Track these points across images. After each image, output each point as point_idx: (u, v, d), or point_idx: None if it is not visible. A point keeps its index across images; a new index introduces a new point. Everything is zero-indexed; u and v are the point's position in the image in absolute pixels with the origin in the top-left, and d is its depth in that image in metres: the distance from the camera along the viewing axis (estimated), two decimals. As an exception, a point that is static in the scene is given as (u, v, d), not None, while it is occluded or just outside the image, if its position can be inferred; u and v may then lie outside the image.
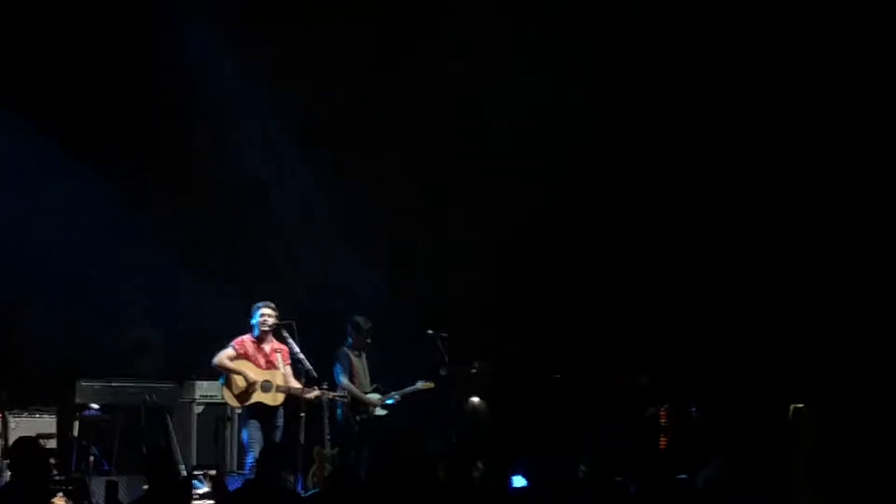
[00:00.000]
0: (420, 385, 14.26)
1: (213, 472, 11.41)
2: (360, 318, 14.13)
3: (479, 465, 13.53)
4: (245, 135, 15.63)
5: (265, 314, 13.14)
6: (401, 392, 14.24)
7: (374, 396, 14.12)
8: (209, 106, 15.31)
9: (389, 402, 14.18)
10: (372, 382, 14.20)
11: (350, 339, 14.14)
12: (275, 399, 13.08)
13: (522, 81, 15.30)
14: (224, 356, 13.12)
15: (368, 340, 14.16)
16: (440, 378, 14.22)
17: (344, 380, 13.95)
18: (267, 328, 13.13)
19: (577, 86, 14.95)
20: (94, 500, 12.08)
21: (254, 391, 13.04)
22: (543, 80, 15.18)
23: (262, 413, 13.03)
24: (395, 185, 15.61)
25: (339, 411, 13.91)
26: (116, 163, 14.98)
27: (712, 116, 15.17)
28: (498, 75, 15.37)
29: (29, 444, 8.94)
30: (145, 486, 9.66)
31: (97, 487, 12.59)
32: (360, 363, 14.17)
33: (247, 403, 13.06)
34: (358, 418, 13.98)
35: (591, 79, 14.95)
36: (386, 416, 14.15)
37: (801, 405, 9.38)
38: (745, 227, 15.17)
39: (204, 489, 9.96)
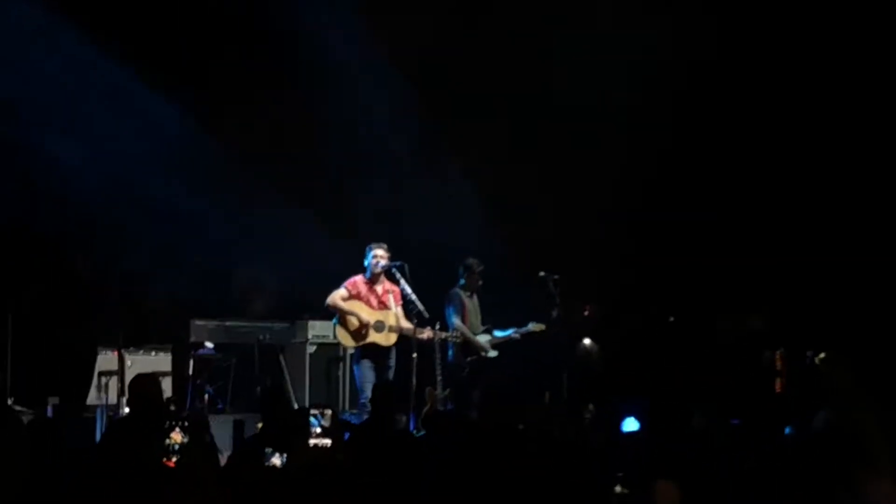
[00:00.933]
0: (531, 326, 14.20)
1: (329, 411, 11.41)
2: (472, 260, 14.09)
3: (591, 406, 13.56)
4: (355, 75, 15.57)
5: (378, 255, 13.15)
6: (512, 331, 14.19)
7: (485, 338, 14.09)
8: (315, 47, 15.32)
9: (501, 334, 14.13)
10: (484, 324, 14.17)
11: (462, 281, 14.12)
12: (387, 339, 13.12)
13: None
14: (337, 296, 13.17)
15: (480, 282, 14.12)
16: (552, 320, 14.15)
17: (456, 320, 13.93)
18: (379, 269, 13.14)
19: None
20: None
21: (367, 331, 13.08)
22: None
23: (374, 353, 13.08)
24: (500, 131, 15.56)
25: (450, 352, 13.90)
26: (229, 108, 15.05)
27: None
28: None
29: (147, 379, 9.05)
30: (259, 425, 9.75)
31: (213, 425, 12.73)
32: (472, 304, 14.14)
33: (360, 343, 13.11)
34: (468, 359, 13.97)
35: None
36: (496, 357, 14.12)
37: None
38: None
39: (321, 427, 9.97)
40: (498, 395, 13.17)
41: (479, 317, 14.18)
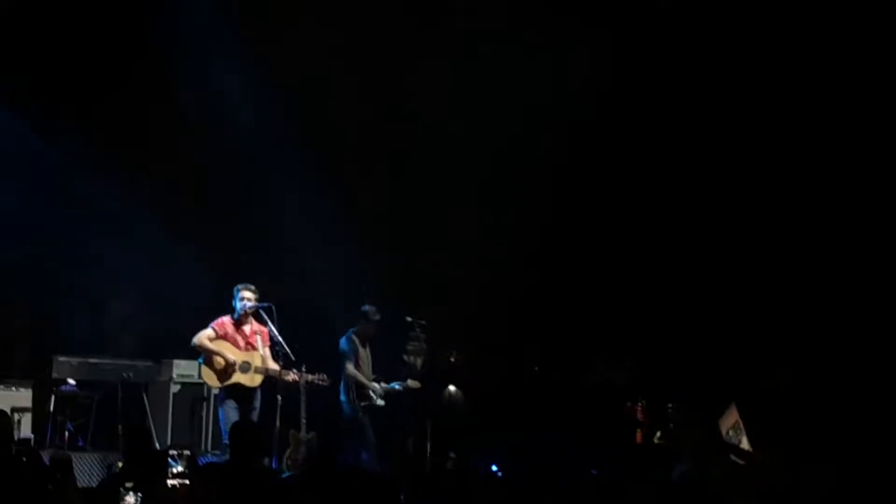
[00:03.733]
0: (409, 383, 14.26)
1: (187, 452, 11.36)
2: (369, 308, 14.15)
3: (452, 454, 13.67)
4: (239, 113, 15.54)
5: (245, 296, 13.14)
6: (397, 384, 14.24)
7: (376, 386, 14.12)
8: (198, 75, 15.29)
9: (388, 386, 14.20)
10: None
11: (356, 328, 14.14)
12: (252, 380, 13.10)
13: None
14: (204, 336, 13.12)
15: (374, 331, 14.16)
16: (419, 365, 14.27)
17: (349, 366, 13.98)
18: (247, 310, 13.13)
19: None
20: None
21: (233, 372, 13.05)
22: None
23: (239, 394, 13.04)
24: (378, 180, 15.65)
25: (342, 397, 13.97)
26: (99, 134, 14.92)
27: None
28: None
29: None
30: (119, 463, 9.65)
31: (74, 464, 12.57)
32: (364, 353, 14.19)
33: (225, 384, 13.06)
34: (362, 404, 14.00)
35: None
36: (384, 406, 14.16)
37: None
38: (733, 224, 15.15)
39: (179, 468, 9.93)
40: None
41: (370, 366, 14.21)
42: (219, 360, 13.07)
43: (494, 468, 13.08)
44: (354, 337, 14.13)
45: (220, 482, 9.07)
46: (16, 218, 14.42)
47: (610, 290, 15.45)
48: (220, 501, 8.05)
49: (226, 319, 13.20)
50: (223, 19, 14.97)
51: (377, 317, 14.13)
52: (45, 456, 9.62)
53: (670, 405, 13.19)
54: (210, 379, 13.22)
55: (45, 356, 14.29)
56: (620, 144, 15.35)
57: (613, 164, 15.44)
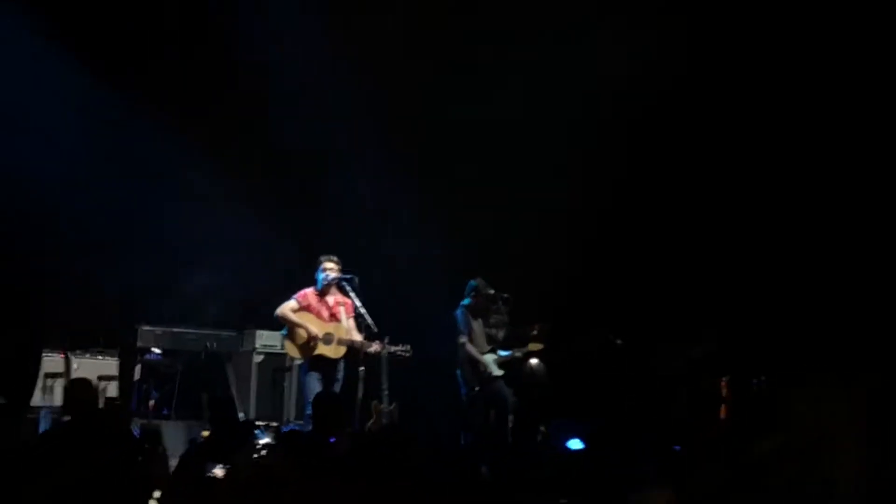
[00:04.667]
0: (531, 347, 14.24)
1: (274, 423, 11.43)
2: (480, 281, 14.13)
3: (542, 428, 13.61)
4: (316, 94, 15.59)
5: (327, 268, 13.13)
6: (513, 351, 14.23)
7: (490, 357, 14.11)
8: (287, 51, 15.34)
9: (505, 353, 14.17)
10: (489, 342, 14.20)
11: (468, 300, 14.15)
12: (336, 352, 13.09)
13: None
14: (287, 308, 13.15)
15: (487, 303, 14.16)
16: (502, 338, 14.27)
17: (463, 340, 14.00)
18: (329, 281, 13.14)
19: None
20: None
21: (315, 344, 13.05)
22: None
23: (322, 365, 13.05)
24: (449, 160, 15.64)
25: (458, 371, 13.98)
26: (183, 108, 15.02)
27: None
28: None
29: (82, 385, 9.04)
30: (204, 433, 9.73)
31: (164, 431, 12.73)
32: (478, 325, 14.17)
33: (308, 355, 13.10)
34: (477, 377, 14.00)
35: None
36: (503, 375, 14.14)
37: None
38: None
39: (266, 440, 9.98)
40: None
41: (485, 337, 14.21)
42: (301, 333, 13.09)
43: (578, 442, 13.01)
44: (467, 311, 14.14)
45: (301, 453, 9.13)
46: (100, 192, 14.54)
47: (694, 260, 15.34)
48: (302, 472, 8.06)
49: (309, 291, 13.21)
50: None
51: (489, 290, 14.11)
52: (134, 427, 9.75)
53: (755, 380, 13.10)
54: (293, 351, 13.24)
55: (130, 325, 14.42)
56: (702, 110, 15.22)
57: (697, 129, 15.33)
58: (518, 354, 14.24)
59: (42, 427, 12.20)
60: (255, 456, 8.65)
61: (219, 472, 7.70)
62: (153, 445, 7.11)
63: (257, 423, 10.24)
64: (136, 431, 10.78)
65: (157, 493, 6.84)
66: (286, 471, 7.40)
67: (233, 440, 8.89)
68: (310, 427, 12.06)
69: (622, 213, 15.60)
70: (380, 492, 7.45)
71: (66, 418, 9.26)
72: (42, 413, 12.49)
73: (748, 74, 14.94)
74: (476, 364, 14.00)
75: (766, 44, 14.77)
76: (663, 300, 15.26)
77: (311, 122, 15.55)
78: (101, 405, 9.92)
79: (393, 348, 13.28)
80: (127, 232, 14.82)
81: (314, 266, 13.19)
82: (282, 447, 9.11)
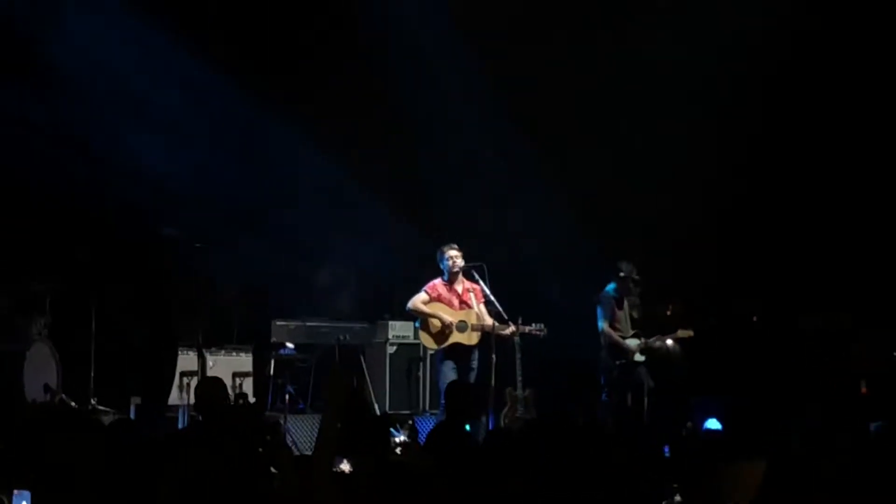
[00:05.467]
0: (680, 333, 14.08)
1: (410, 422, 11.40)
2: (625, 265, 14.02)
3: (689, 424, 13.42)
4: (438, 74, 15.54)
5: (451, 255, 13.10)
6: (660, 338, 14.07)
7: (634, 342, 13.99)
8: (402, 55, 15.36)
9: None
10: (633, 328, 14.11)
11: (613, 284, 14.06)
12: (470, 339, 13.06)
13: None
14: (418, 300, 13.15)
15: (636, 289, 14.05)
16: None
17: (604, 325, 13.93)
18: (457, 269, 13.10)
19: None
20: (290, 439, 12.21)
21: (450, 332, 13.04)
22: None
23: (457, 353, 13.02)
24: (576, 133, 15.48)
25: (601, 353, 13.92)
26: (308, 104, 15.11)
27: None
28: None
29: (211, 383, 9.09)
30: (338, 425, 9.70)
31: (293, 426, 12.79)
32: (622, 310, 14.07)
33: (443, 345, 13.08)
34: (617, 363, 13.91)
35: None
36: (644, 361, 14.02)
37: None
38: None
39: (401, 437, 9.97)
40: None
41: (629, 321, 14.10)
42: (435, 323, 13.09)
43: (716, 422, 12.81)
44: (611, 294, 14.04)
45: (435, 445, 9.08)
46: (230, 188, 14.68)
47: (828, 234, 15.03)
48: (437, 466, 8.01)
49: (437, 282, 13.19)
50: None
51: (634, 275, 13.96)
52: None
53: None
54: (428, 342, 13.24)
55: (263, 321, 14.52)
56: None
57: (824, 104, 15.01)
58: (667, 342, 14.07)
59: (180, 424, 12.37)
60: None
61: (345, 466, 7.68)
62: (273, 437, 7.10)
63: (393, 418, 10.22)
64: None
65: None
66: (418, 467, 7.36)
67: (364, 434, 8.88)
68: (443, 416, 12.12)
69: (752, 188, 15.31)
70: (513, 484, 7.39)
71: (199, 417, 9.32)
72: (180, 411, 12.63)
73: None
74: (618, 346, 13.88)
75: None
76: (801, 272, 14.96)
77: (437, 107, 15.52)
78: (233, 402, 9.97)
79: (527, 328, 13.19)
80: (258, 227, 14.93)
81: (437, 257, 13.17)
82: (415, 441, 9.10)
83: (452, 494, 7.09)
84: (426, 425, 12.74)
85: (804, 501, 7.03)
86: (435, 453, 8.77)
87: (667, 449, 8.85)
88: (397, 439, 9.59)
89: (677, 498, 7.06)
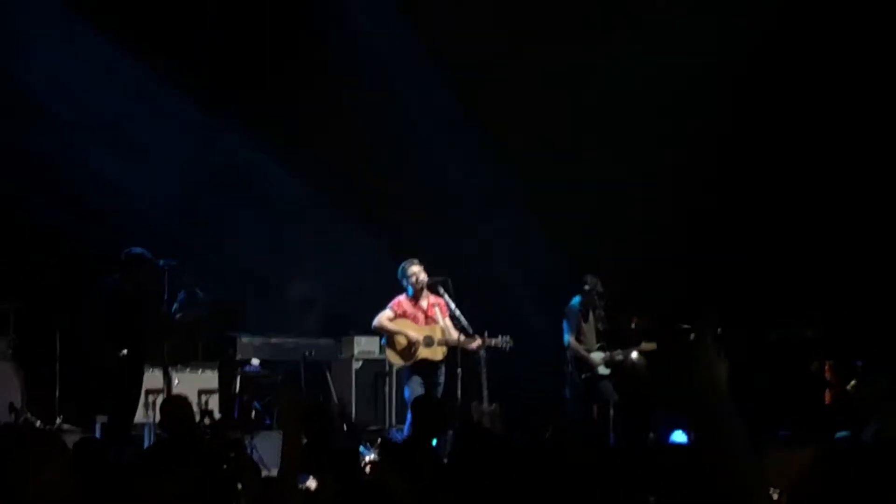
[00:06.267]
0: (643, 346, 14.15)
1: (379, 440, 11.39)
2: (591, 278, 14.08)
3: (651, 435, 13.46)
4: (406, 93, 15.58)
5: (413, 271, 13.09)
6: (624, 351, 14.13)
7: (599, 355, 14.05)
8: (375, 67, 15.39)
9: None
10: (599, 341, 14.16)
11: (579, 298, 14.10)
12: (437, 353, 13.08)
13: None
14: (383, 318, 13.15)
15: (601, 301, 14.08)
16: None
17: (570, 338, 14.01)
18: (420, 285, 13.10)
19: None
20: (257, 456, 12.18)
21: (417, 348, 13.05)
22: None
23: (425, 369, 13.04)
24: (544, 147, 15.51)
25: (566, 367, 13.98)
26: (271, 122, 15.14)
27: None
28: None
29: (177, 401, 9.09)
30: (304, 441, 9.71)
31: (259, 442, 12.76)
32: (588, 323, 14.13)
33: (410, 362, 13.09)
34: (583, 376, 13.99)
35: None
36: (609, 375, 14.09)
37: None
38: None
39: (371, 456, 9.97)
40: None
41: (595, 335, 14.15)
42: (401, 340, 13.09)
43: (682, 435, 12.86)
44: (577, 308, 14.10)
45: (401, 459, 9.09)
46: (193, 206, 14.71)
47: (792, 245, 15.11)
48: (403, 479, 8.02)
49: (402, 298, 13.19)
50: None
51: (599, 288, 14.05)
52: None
53: (859, 363, 12.87)
54: (395, 359, 13.26)
55: (228, 338, 14.50)
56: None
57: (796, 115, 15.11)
58: (632, 355, 14.13)
59: (146, 442, 12.33)
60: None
61: (311, 483, 7.68)
62: (237, 455, 7.10)
63: (362, 434, 10.21)
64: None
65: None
66: (387, 483, 7.36)
67: (328, 451, 8.89)
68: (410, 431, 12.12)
69: (719, 202, 15.41)
70: (482, 495, 7.40)
71: (164, 435, 9.32)
72: (145, 429, 12.60)
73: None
74: (584, 363, 13.93)
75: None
76: (761, 285, 15.04)
77: (407, 125, 15.57)
78: (198, 420, 9.96)
79: (493, 341, 13.21)
80: (221, 244, 14.91)
81: (399, 275, 13.16)
82: (385, 457, 9.08)
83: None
84: (396, 439, 12.75)
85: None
86: (403, 470, 8.78)
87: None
88: (367, 458, 9.58)
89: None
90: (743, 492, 5.24)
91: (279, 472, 6.72)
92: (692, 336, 13.85)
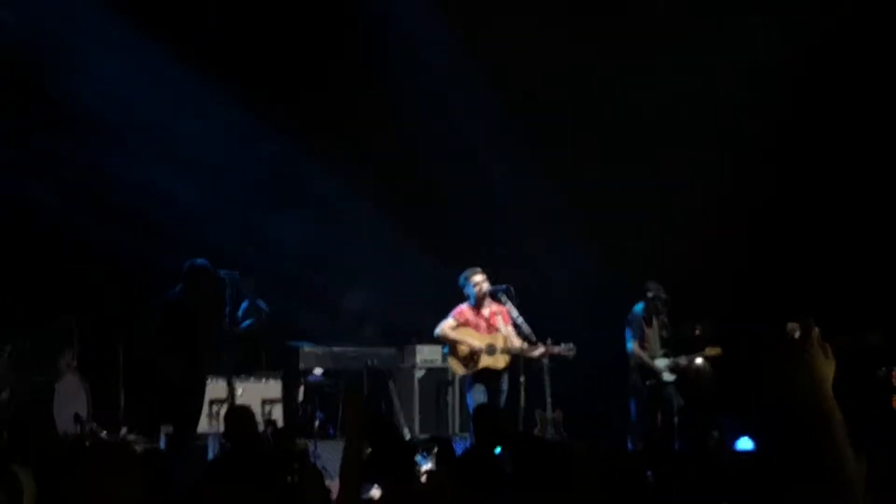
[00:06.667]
0: (707, 351, 14.09)
1: (436, 449, 11.35)
2: (653, 285, 14.09)
3: (715, 433, 13.37)
4: (460, 103, 15.59)
5: (476, 280, 13.10)
6: (688, 357, 14.08)
7: (663, 362, 14.01)
8: (421, 77, 15.40)
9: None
10: (664, 348, 14.11)
11: (642, 304, 14.08)
12: (500, 361, 13.05)
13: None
14: (446, 326, 13.15)
15: (659, 305, 14.06)
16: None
17: (634, 346, 14.03)
18: (484, 293, 13.09)
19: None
20: (320, 465, 12.19)
21: (479, 357, 13.02)
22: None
23: (487, 377, 13.02)
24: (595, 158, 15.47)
25: (631, 375, 14.02)
26: (333, 135, 15.18)
27: None
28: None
29: (240, 412, 9.11)
30: (368, 450, 9.70)
31: (323, 452, 12.77)
32: (651, 329, 14.09)
33: (472, 370, 13.07)
34: (647, 383, 13.98)
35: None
36: (674, 381, 14.05)
37: None
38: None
39: (428, 465, 9.92)
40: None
41: (659, 341, 14.10)
42: (463, 348, 13.08)
43: (748, 442, 12.75)
44: (640, 315, 14.08)
45: (462, 469, 9.06)
46: (250, 220, 14.79)
47: (858, 249, 14.98)
48: (464, 489, 7.99)
49: (464, 307, 13.19)
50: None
51: (662, 294, 14.04)
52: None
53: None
54: (457, 367, 13.26)
55: (290, 347, 14.54)
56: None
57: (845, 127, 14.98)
58: (696, 360, 14.06)
59: (210, 453, 12.37)
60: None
61: (376, 493, 7.67)
62: (301, 465, 7.10)
63: (421, 442, 10.20)
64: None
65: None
66: (445, 491, 7.33)
67: (393, 460, 8.87)
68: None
69: (781, 206, 15.30)
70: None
71: (228, 445, 9.34)
72: (210, 439, 12.64)
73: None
74: (648, 370, 13.89)
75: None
76: (826, 290, 14.91)
77: (458, 131, 15.57)
78: (262, 429, 10.00)
79: (556, 349, 13.16)
80: (283, 257, 14.97)
81: (460, 283, 13.17)
82: (443, 466, 9.06)
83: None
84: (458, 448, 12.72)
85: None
86: (463, 479, 8.75)
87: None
88: (423, 467, 9.54)
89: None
90: (851, 486, 5.20)
91: (340, 476, 6.72)
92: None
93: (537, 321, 13.23)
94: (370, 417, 11.95)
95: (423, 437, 13.68)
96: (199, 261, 12.19)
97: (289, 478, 6.94)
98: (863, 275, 14.89)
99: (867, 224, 14.98)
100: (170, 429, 12.51)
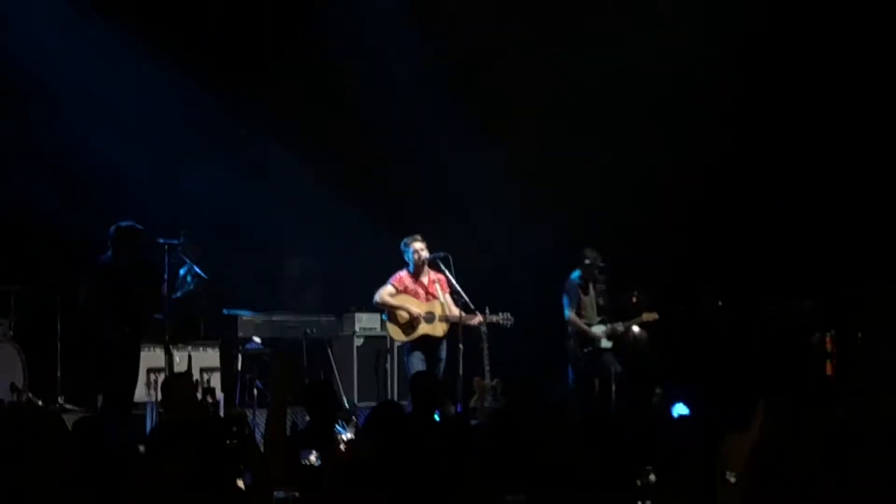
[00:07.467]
0: (644, 316, 14.15)
1: (355, 419, 11.37)
2: (586, 251, 14.09)
3: (658, 390, 13.48)
4: (402, 73, 15.57)
5: (416, 247, 13.15)
6: (625, 323, 14.14)
7: (600, 329, 14.06)
8: (366, 42, 15.37)
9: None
10: (599, 314, 14.17)
11: (578, 272, 14.09)
12: (437, 329, 13.12)
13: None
14: (384, 293, 13.18)
15: (597, 272, 14.08)
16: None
17: (570, 313, 14.03)
18: (422, 261, 13.13)
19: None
20: (258, 433, 12.17)
21: (418, 324, 13.10)
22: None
23: (426, 344, 13.11)
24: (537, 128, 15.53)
25: (568, 342, 14.03)
26: (276, 103, 15.11)
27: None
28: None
29: (179, 379, 9.07)
30: (307, 418, 9.72)
31: (262, 421, 12.74)
32: (588, 297, 14.11)
33: (411, 337, 13.11)
34: (585, 350, 14.01)
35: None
36: (611, 348, 14.11)
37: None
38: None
39: (348, 435, 9.92)
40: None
41: (595, 308, 14.13)
42: (402, 314, 13.13)
43: (683, 408, 12.87)
44: (577, 282, 14.09)
45: (401, 433, 9.07)
46: (194, 185, 14.70)
47: (793, 217, 15.11)
48: (403, 452, 8.02)
49: (403, 273, 13.24)
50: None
51: (599, 262, 14.06)
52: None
53: (860, 334, 12.89)
54: (396, 334, 13.31)
55: (228, 316, 14.48)
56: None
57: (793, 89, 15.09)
58: (633, 326, 14.14)
59: (148, 421, 12.33)
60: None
61: (314, 459, 7.69)
62: (240, 430, 7.09)
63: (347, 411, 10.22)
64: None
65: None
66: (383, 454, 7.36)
67: (332, 427, 8.92)
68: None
69: (717, 173, 15.40)
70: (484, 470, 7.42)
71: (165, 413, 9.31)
72: (147, 408, 12.59)
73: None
74: (585, 337, 13.94)
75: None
76: (762, 259, 15.05)
77: (399, 100, 15.55)
78: (200, 398, 9.94)
79: (494, 318, 13.25)
80: (222, 223, 14.88)
81: (401, 249, 13.19)
82: (379, 428, 9.06)
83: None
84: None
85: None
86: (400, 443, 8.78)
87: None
88: (343, 436, 9.55)
89: (651, 478, 7.10)
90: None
91: (265, 439, 6.71)
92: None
93: (482, 290, 13.28)
94: (310, 385, 12.02)
95: (371, 404, 13.73)
96: (125, 223, 11.98)
97: (228, 441, 6.91)
98: (797, 242, 15.00)
99: (802, 191, 15.08)
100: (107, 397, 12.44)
